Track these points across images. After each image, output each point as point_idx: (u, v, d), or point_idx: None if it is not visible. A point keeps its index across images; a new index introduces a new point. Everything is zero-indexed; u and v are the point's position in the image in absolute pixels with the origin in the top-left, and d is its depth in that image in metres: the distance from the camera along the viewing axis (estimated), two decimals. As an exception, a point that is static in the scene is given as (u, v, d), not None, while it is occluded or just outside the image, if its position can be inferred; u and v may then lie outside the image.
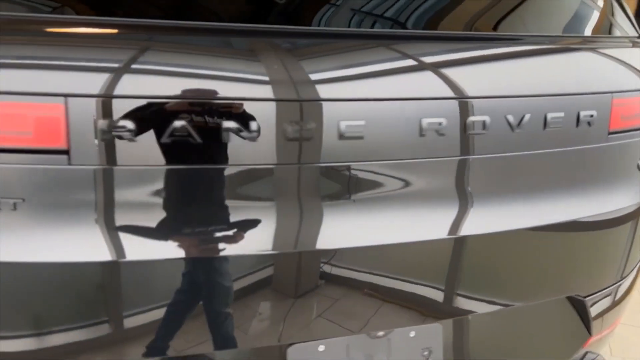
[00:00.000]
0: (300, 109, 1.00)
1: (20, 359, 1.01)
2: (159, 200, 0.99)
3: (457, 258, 1.22)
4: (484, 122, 1.11)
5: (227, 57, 1.02)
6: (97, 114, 0.91)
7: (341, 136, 1.03)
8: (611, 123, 1.26)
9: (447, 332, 1.29)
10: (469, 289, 1.26)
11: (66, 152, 0.92)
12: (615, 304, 1.50)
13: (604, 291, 1.42)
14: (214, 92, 0.97)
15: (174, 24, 1.01)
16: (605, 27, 1.40)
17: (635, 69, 1.32)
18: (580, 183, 1.28)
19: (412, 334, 1.26)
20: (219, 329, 1.09)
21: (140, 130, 0.93)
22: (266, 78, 0.99)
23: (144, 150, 0.94)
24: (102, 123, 0.92)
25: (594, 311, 1.42)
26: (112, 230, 0.97)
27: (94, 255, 0.96)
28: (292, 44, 1.06)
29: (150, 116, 0.94)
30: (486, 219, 1.20)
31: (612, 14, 1.46)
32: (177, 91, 0.95)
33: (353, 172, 1.08)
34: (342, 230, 1.10)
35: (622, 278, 1.46)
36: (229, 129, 0.96)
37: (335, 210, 1.10)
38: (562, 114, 1.18)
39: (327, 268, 1.12)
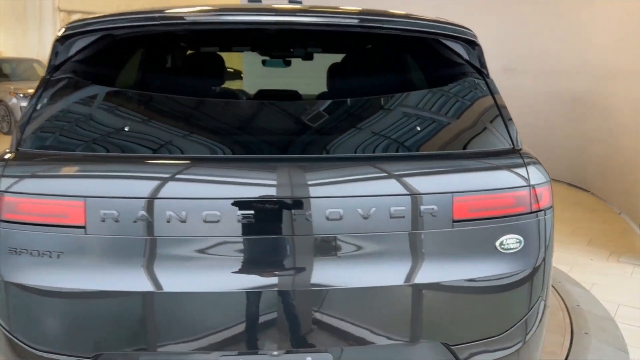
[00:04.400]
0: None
1: None
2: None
3: (347, 304, 1.71)
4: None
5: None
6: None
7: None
8: (454, 214, 1.74)
9: None
10: (357, 325, 1.73)
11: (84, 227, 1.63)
12: (491, 355, 1.85)
13: (473, 343, 1.82)
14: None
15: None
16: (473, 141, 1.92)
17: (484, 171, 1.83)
18: (436, 256, 1.75)
19: (309, 359, 1.71)
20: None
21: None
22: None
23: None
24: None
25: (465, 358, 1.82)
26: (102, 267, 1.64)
27: (96, 285, 1.66)
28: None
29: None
30: (368, 276, 1.70)
31: (489, 129, 1.95)
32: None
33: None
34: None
35: (494, 336, 1.84)
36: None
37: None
38: (403, 208, 1.70)
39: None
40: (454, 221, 1.74)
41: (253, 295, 1.67)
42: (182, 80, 2.41)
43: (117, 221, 1.62)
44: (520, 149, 1.94)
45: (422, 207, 1.72)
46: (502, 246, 1.79)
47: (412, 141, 1.86)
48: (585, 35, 6.96)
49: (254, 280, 1.68)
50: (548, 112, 7.58)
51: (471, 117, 1.99)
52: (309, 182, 1.68)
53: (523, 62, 7.79)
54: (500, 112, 1.99)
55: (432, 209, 1.72)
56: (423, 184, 1.75)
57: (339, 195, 1.68)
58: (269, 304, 1.68)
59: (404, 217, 1.71)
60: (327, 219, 1.66)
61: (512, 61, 7.77)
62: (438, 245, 1.75)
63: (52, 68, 1.92)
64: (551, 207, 1.92)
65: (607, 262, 4.80)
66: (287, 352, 1.70)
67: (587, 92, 6.96)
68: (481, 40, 2.13)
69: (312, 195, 1.66)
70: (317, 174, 1.71)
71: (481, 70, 2.09)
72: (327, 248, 1.69)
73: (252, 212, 1.64)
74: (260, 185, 1.68)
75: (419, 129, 1.89)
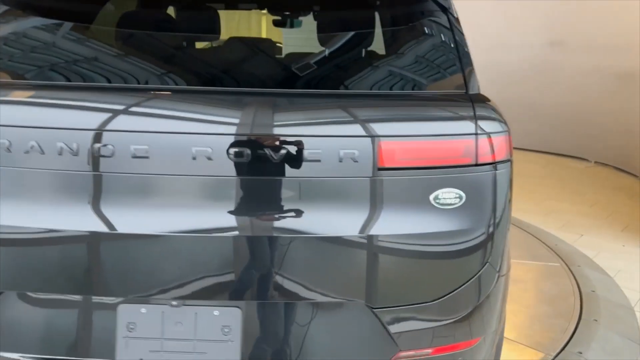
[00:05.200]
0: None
1: None
2: None
3: (257, 256, 1.56)
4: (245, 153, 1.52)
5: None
6: None
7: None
8: (380, 161, 1.53)
9: (249, 316, 1.59)
10: (267, 279, 1.57)
11: None
12: (420, 324, 1.63)
13: (400, 308, 1.61)
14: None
15: None
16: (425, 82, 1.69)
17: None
18: (357, 206, 1.56)
19: (216, 312, 1.57)
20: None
21: None
22: None
23: None
24: None
25: (394, 325, 1.61)
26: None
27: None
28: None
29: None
30: (281, 224, 1.54)
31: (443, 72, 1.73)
32: None
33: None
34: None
35: (423, 302, 1.62)
36: None
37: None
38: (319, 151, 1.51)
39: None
40: (379, 169, 1.55)
41: (152, 240, 1.55)
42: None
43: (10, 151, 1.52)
44: (474, 95, 1.70)
45: (342, 151, 1.53)
46: (437, 201, 1.58)
47: (346, 80, 1.67)
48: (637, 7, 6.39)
49: (154, 224, 1.55)
50: (596, 90, 7.05)
51: (420, 58, 1.77)
52: (218, 118, 1.53)
53: (571, 36, 7.27)
54: (458, 54, 1.76)
55: (353, 153, 1.53)
56: (344, 124, 1.56)
57: (243, 133, 1.52)
58: (171, 250, 1.55)
59: (319, 160, 1.52)
60: (230, 157, 1.51)
61: (559, 34, 7.26)
62: (359, 194, 1.56)
63: None
64: (508, 161, 1.68)
65: (639, 248, 4.41)
66: (191, 304, 1.57)
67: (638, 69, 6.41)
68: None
69: (215, 132, 1.51)
70: (224, 109, 1.56)
71: (446, 9, 1.85)
72: (233, 193, 1.54)
73: (155, 144, 1.50)
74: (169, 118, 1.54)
75: (357, 67, 1.70)
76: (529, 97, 7.69)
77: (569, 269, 3.90)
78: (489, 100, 1.72)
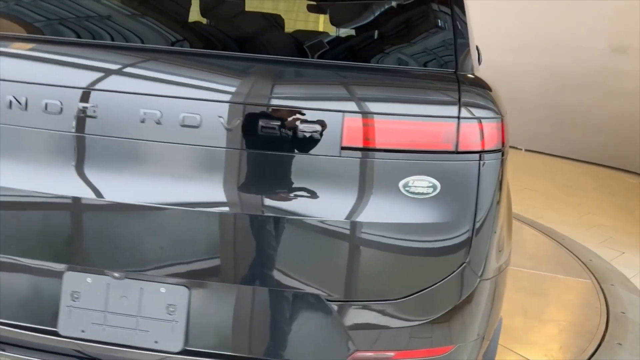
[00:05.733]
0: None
1: None
2: None
3: (211, 233, 1.45)
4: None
5: None
6: None
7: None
8: (344, 139, 1.39)
9: (197, 297, 1.48)
10: (218, 259, 1.47)
11: None
12: (381, 320, 1.48)
13: (357, 303, 1.46)
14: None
15: None
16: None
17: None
18: (316, 187, 1.42)
19: (163, 289, 1.48)
20: None
21: None
22: None
23: None
24: None
25: (351, 321, 1.47)
26: None
27: None
28: None
29: None
30: (236, 201, 1.43)
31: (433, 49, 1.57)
32: None
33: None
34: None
35: (384, 300, 1.46)
36: None
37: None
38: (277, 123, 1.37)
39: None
40: (343, 148, 1.40)
41: (102, 208, 1.47)
42: None
43: None
44: (464, 75, 1.53)
45: (302, 125, 1.40)
46: (407, 189, 1.42)
47: (317, 48, 1.53)
48: None
49: (104, 191, 1.47)
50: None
51: (407, 31, 1.62)
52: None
53: (635, 42, 6.80)
54: (454, 30, 1.59)
55: (315, 128, 1.39)
56: (307, 96, 1.42)
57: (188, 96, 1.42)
58: (121, 220, 1.47)
59: (277, 134, 1.40)
60: (182, 125, 1.40)
61: (622, 40, 6.81)
62: (320, 174, 1.43)
63: None
64: (499, 151, 1.50)
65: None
66: (136, 278, 1.48)
67: None
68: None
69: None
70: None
71: None
72: (188, 163, 1.44)
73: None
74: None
75: (331, 36, 1.55)
76: (583, 104, 7.27)
77: (600, 286, 3.61)
78: (483, 84, 1.54)
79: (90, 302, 1.49)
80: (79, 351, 1.51)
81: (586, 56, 7.15)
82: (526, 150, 8.06)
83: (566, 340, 2.95)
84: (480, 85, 1.52)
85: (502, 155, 1.52)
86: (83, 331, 1.49)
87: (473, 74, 1.56)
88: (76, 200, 1.47)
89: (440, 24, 1.63)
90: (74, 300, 1.49)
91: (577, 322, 3.13)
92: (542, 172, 6.99)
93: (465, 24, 1.62)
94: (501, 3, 7.35)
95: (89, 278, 1.50)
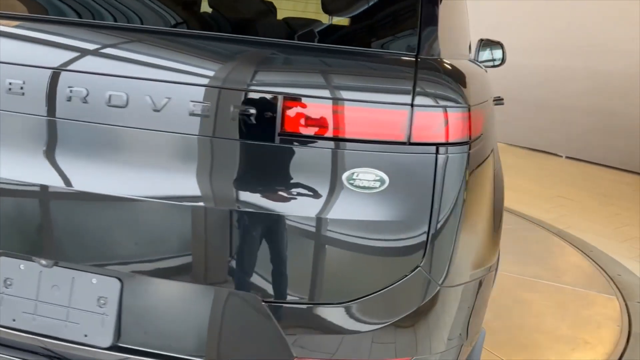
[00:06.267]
0: None
1: None
2: None
3: (146, 223, 1.36)
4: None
5: None
6: None
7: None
8: (283, 125, 1.26)
9: (129, 290, 1.39)
10: (152, 251, 1.37)
11: None
12: (321, 323, 1.35)
13: (296, 305, 1.34)
14: None
15: None
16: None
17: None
18: (249, 177, 1.31)
19: (94, 280, 1.39)
20: None
21: None
22: None
23: None
24: None
25: (289, 325, 1.34)
26: None
27: None
28: None
29: None
30: (166, 189, 1.33)
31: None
32: None
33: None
34: None
35: (332, 303, 1.33)
36: None
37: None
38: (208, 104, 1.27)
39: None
40: (281, 134, 1.28)
41: (36, 192, 1.40)
42: None
43: None
44: (426, 59, 1.38)
45: (234, 108, 1.28)
46: (351, 182, 1.29)
47: (264, 25, 1.41)
48: None
49: (38, 174, 1.39)
50: None
51: (368, 11, 1.48)
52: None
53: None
54: (421, 12, 1.44)
55: (249, 111, 1.28)
56: (241, 76, 1.30)
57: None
58: (55, 205, 1.40)
59: (207, 116, 1.29)
60: (109, 104, 1.31)
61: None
62: (255, 162, 1.31)
63: None
64: (465, 143, 1.34)
65: None
66: (67, 267, 1.40)
67: None
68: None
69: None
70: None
71: None
72: (127, 148, 1.35)
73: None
74: None
75: (293, 18, 1.44)
76: (628, 111, 6.87)
77: (626, 304, 3.34)
78: (450, 70, 1.39)
79: (22, 290, 1.43)
80: (10, 340, 1.45)
81: (631, 61, 6.76)
82: (567, 157, 7.69)
83: (579, 359, 2.72)
84: (445, 72, 1.36)
85: (470, 148, 1.36)
86: (14, 320, 1.42)
87: (439, 59, 1.41)
88: (12, 183, 1.40)
89: (404, 4, 1.48)
90: (7, 287, 1.43)
91: (592, 341, 2.89)
92: (580, 180, 6.64)
93: (436, 5, 1.47)
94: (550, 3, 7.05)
95: (22, 265, 1.43)
